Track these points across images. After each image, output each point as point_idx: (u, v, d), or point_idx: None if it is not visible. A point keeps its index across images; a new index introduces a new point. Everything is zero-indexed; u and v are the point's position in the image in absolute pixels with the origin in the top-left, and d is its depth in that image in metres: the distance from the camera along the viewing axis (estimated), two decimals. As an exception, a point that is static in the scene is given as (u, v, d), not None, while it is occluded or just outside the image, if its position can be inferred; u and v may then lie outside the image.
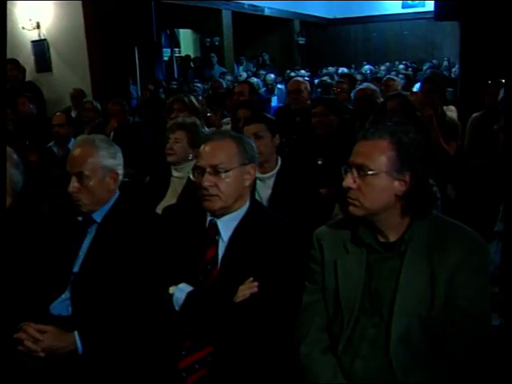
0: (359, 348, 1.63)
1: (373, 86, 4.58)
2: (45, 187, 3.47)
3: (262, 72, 10.67)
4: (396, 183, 1.60)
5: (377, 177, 1.59)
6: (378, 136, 1.62)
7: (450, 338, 1.57)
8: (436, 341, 1.57)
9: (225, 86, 6.97)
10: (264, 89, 8.23)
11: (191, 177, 1.91)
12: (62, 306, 2.10)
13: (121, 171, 2.23)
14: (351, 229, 1.70)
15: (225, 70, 9.68)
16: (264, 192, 2.82)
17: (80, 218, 2.20)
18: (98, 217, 2.18)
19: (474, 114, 4.20)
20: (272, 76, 8.84)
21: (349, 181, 1.62)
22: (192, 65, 11.44)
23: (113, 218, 2.17)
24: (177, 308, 1.78)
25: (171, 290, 1.78)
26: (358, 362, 1.63)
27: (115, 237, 2.11)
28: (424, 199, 1.62)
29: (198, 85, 7.90)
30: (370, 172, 1.59)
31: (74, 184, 2.12)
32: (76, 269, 2.12)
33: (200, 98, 6.02)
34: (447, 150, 3.45)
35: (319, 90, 6.40)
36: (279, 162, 2.91)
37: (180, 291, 1.79)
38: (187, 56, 12.10)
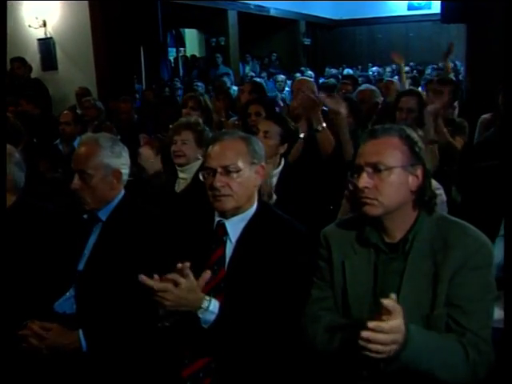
0: None
1: (371, 87, 4.60)
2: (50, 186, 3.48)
3: (266, 72, 10.66)
4: (410, 178, 1.61)
5: (393, 172, 1.59)
6: (388, 133, 1.63)
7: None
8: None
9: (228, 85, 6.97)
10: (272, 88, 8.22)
11: (200, 177, 1.89)
12: (66, 303, 2.11)
13: (125, 170, 2.22)
14: (358, 229, 1.70)
15: (229, 71, 9.64)
16: None
17: (85, 217, 2.21)
18: (103, 215, 2.18)
19: (483, 116, 4.16)
20: (282, 76, 8.80)
21: (365, 180, 1.60)
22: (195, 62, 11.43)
23: (118, 216, 2.18)
24: (205, 326, 1.71)
25: (200, 313, 1.69)
26: None
27: (120, 235, 2.11)
28: (432, 194, 1.64)
29: (199, 83, 7.88)
30: (386, 168, 1.59)
31: (76, 181, 2.13)
32: (81, 267, 2.13)
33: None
34: (454, 144, 3.43)
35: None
36: (282, 163, 2.91)
37: (210, 313, 1.70)
38: (193, 56, 12.10)
